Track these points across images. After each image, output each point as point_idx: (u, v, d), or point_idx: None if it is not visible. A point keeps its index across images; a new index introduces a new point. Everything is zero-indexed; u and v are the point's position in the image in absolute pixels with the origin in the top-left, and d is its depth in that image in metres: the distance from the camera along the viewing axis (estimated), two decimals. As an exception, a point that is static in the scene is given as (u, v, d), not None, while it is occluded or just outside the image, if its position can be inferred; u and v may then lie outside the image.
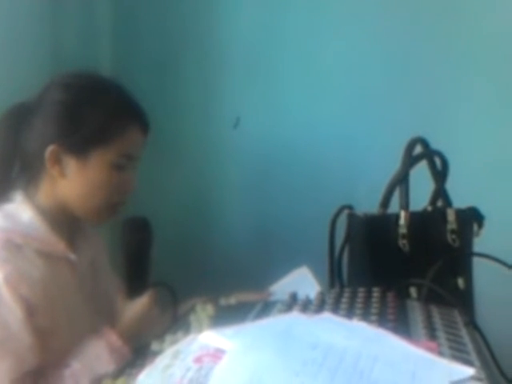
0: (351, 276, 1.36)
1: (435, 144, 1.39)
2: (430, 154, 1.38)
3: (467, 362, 0.85)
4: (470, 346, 0.95)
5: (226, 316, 1.12)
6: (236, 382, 0.75)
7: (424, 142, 1.38)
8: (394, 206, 1.33)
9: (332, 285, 1.37)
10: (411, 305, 1.15)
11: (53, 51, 2.02)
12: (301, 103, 2.09)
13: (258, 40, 2.14)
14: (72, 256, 1.32)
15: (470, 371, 0.81)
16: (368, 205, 1.34)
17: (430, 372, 0.80)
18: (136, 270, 1.32)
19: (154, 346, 1.01)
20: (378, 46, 1.98)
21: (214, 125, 2.19)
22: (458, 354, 0.89)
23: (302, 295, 1.17)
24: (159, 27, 2.25)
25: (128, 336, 1.23)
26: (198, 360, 0.81)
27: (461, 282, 1.31)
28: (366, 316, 1.00)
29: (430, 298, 1.16)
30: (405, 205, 1.31)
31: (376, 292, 1.13)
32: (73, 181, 1.31)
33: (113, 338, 1.22)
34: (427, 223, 1.32)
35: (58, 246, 1.30)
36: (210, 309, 1.18)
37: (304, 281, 1.47)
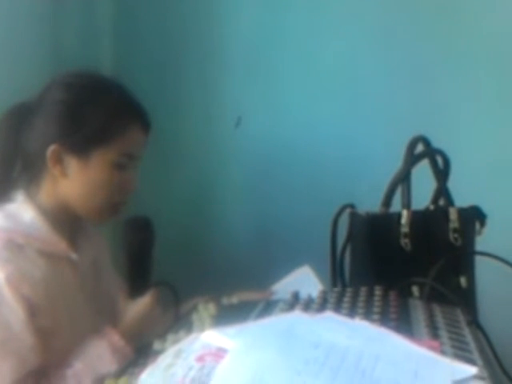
0: (353, 275, 1.36)
1: (437, 143, 1.39)
2: (431, 152, 1.38)
3: (469, 361, 0.85)
4: (472, 345, 0.95)
5: (228, 315, 1.12)
6: (238, 381, 0.75)
7: (426, 141, 1.38)
8: (396, 205, 1.33)
9: (334, 284, 1.37)
10: (413, 304, 1.15)
11: (54, 51, 2.02)
12: (302, 103, 2.09)
13: (258, 40, 2.14)
14: (74, 256, 1.32)
15: (472, 370, 0.81)
16: (370, 204, 1.34)
17: (432, 371, 0.80)
18: (138, 270, 1.33)
19: (156, 345, 1.01)
20: (379, 45, 1.98)
21: (215, 124, 2.19)
22: (461, 353, 0.89)
23: (304, 294, 1.17)
24: (160, 27, 2.25)
25: (130, 336, 1.23)
26: (200, 359, 0.81)
27: (463, 280, 1.31)
28: (368, 315, 1.00)
29: (433, 297, 1.15)
30: (407, 204, 1.31)
31: (378, 291, 1.13)
32: (74, 180, 1.31)
33: (115, 337, 1.22)
34: (429, 222, 1.32)
35: (60, 245, 1.30)
36: (212, 308, 1.18)
37: (306, 280, 1.46)
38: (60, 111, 1.31)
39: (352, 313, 1.01)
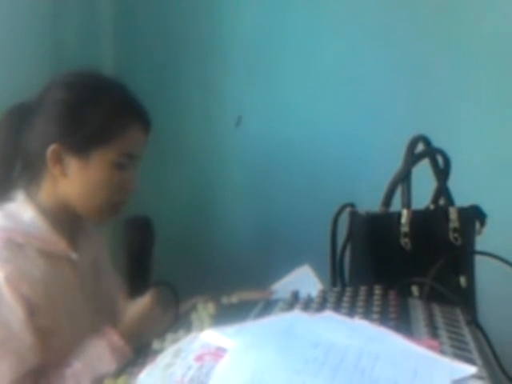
0: (353, 274, 1.36)
1: (437, 142, 1.39)
2: (432, 152, 1.38)
3: (469, 361, 0.85)
4: (471, 345, 0.95)
5: (227, 315, 1.12)
6: (237, 380, 0.75)
7: (426, 140, 1.38)
8: (396, 205, 1.33)
9: (334, 283, 1.37)
10: (413, 303, 1.15)
11: (54, 50, 2.02)
12: (302, 102, 2.09)
13: (259, 39, 2.14)
14: (73, 255, 1.32)
15: (471, 370, 0.81)
16: (370, 203, 1.34)
17: (431, 370, 0.80)
18: (138, 270, 1.33)
19: (155, 344, 1.01)
20: (379, 45, 1.98)
21: (216, 124, 2.19)
22: (460, 353, 0.89)
23: (303, 294, 1.17)
24: (161, 26, 2.25)
25: (129, 335, 1.23)
26: (200, 358, 0.81)
27: (463, 280, 1.31)
28: (367, 314, 1.00)
29: (432, 297, 1.15)
30: (407, 203, 1.31)
31: (378, 290, 1.13)
32: (74, 180, 1.31)
33: (114, 337, 1.22)
34: (429, 221, 1.32)
35: (60, 245, 1.30)
36: (211, 307, 1.18)
37: (306, 279, 1.46)
38: (60, 111, 1.31)
39: (351, 312, 1.01)
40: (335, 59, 2.04)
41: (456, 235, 1.31)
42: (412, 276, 1.23)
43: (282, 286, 1.45)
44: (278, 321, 0.97)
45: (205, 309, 1.18)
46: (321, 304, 1.08)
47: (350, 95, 2.03)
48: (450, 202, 1.37)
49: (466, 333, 1.01)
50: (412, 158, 1.34)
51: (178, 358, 0.83)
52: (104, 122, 1.31)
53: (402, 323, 0.98)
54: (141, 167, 1.38)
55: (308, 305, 1.08)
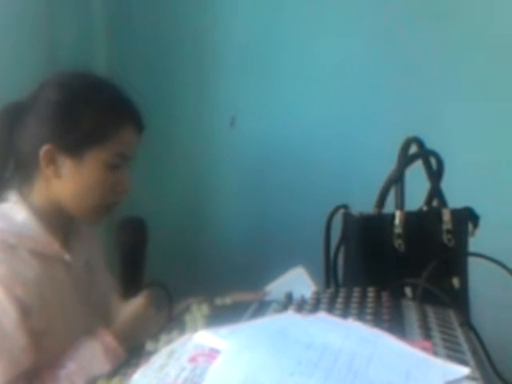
0: (346, 276, 1.36)
1: (430, 144, 1.40)
2: (425, 153, 1.38)
3: (462, 362, 0.85)
4: (464, 346, 0.95)
5: (221, 316, 1.12)
6: (231, 381, 0.75)
7: (419, 142, 1.38)
8: (390, 206, 1.33)
9: (327, 285, 1.37)
10: (406, 305, 1.15)
11: (49, 51, 2.02)
12: (296, 103, 2.09)
13: (253, 39, 2.14)
14: (67, 256, 1.32)
15: (464, 371, 0.81)
16: (363, 205, 1.34)
17: (424, 371, 0.80)
18: (131, 271, 1.32)
19: (149, 345, 1.01)
20: (373, 46, 1.98)
21: (210, 124, 2.19)
22: (453, 354, 0.89)
23: (297, 295, 1.17)
24: (154, 27, 2.24)
25: (123, 336, 1.22)
26: (193, 360, 0.81)
27: (456, 281, 1.32)
28: (361, 316, 1.00)
29: (425, 298, 1.16)
30: (400, 205, 1.31)
31: (371, 292, 1.14)
32: (67, 181, 1.31)
33: (108, 338, 1.22)
34: (422, 223, 1.33)
35: (53, 246, 1.30)
36: (205, 308, 1.18)
37: (299, 281, 1.47)
38: (54, 111, 1.31)
39: (345, 313, 1.01)
40: (329, 60, 2.04)
41: (449, 237, 1.31)
42: (405, 277, 1.24)
43: (276, 287, 1.45)
44: (271, 322, 0.97)
45: (198, 310, 1.18)
46: (314, 305, 1.08)
47: (344, 96, 2.03)
48: (443, 203, 1.37)
49: (459, 334, 1.02)
50: (405, 160, 1.35)
51: (171, 359, 0.83)
52: (97, 122, 1.30)
53: (396, 324, 0.99)
54: (134, 168, 1.38)
55: (302, 306, 1.08)
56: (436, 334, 0.98)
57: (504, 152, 1.86)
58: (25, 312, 1.20)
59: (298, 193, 2.06)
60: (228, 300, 1.26)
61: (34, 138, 1.30)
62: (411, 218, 1.30)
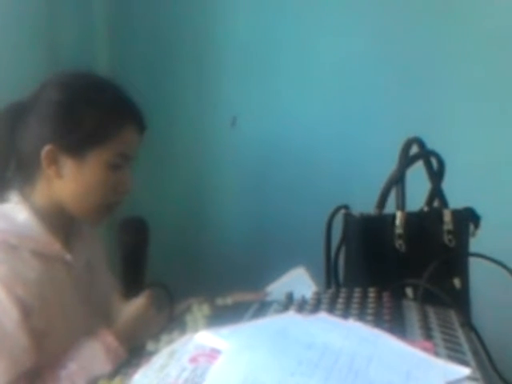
0: (347, 276, 1.36)
1: (431, 144, 1.40)
2: (426, 154, 1.38)
3: (463, 362, 0.85)
4: (465, 347, 0.95)
5: (222, 316, 1.12)
6: (231, 381, 0.75)
7: (420, 143, 1.38)
8: (391, 207, 1.33)
9: (328, 285, 1.37)
10: (407, 305, 1.15)
11: (50, 51, 2.02)
12: (297, 103, 2.09)
13: (254, 40, 2.14)
14: (68, 256, 1.32)
15: (465, 371, 0.81)
16: (364, 205, 1.34)
17: (425, 372, 0.80)
18: (132, 271, 1.32)
19: (150, 345, 1.01)
20: (374, 46, 1.98)
21: (211, 125, 2.19)
22: (454, 354, 0.89)
23: (298, 295, 1.17)
24: (155, 28, 2.25)
25: (124, 336, 1.22)
26: (194, 360, 0.81)
27: (457, 282, 1.32)
28: (361, 316, 1.00)
29: (426, 299, 1.16)
30: (401, 205, 1.31)
31: (372, 292, 1.14)
32: (69, 181, 1.31)
33: (109, 338, 1.22)
34: (423, 223, 1.33)
35: (54, 246, 1.30)
36: (206, 309, 1.18)
37: (300, 281, 1.47)
38: (55, 112, 1.31)
39: (346, 314, 1.01)
40: (330, 60, 2.04)
41: (450, 237, 1.31)
42: (406, 278, 1.24)
43: (277, 288, 1.45)
44: (272, 322, 0.97)
45: (199, 310, 1.18)
46: (315, 306, 1.08)
47: (345, 96, 2.03)
48: (444, 204, 1.37)
49: (460, 334, 1.02)
50: (406, 160, 1.35)
51: (172, 360, 0.83)
52: (99, 122, 1.30)
53: (396, 325, 0.99)
54: (135, 168, 1.38)
55: (302, 306, 1.08)
56: (437, 335, 0.98)
57: (505, 152, 1.86)
58: (26, 312, 1.20)
59: (299, 193, 2.06)
60: (229, 300, 1.26)
61: (35, 138, 1.30)
62: (412, 219, 1.30)
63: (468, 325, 1.07)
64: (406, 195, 1.32)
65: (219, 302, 1.26)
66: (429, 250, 1.30)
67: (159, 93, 2.19)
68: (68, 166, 1.30)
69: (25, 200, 1.31)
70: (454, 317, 1.11)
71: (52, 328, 1.24)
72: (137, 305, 1.27)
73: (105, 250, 1.50)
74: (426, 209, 1.39)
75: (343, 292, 1.14)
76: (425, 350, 0.86)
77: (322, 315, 0.98)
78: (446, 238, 1.31)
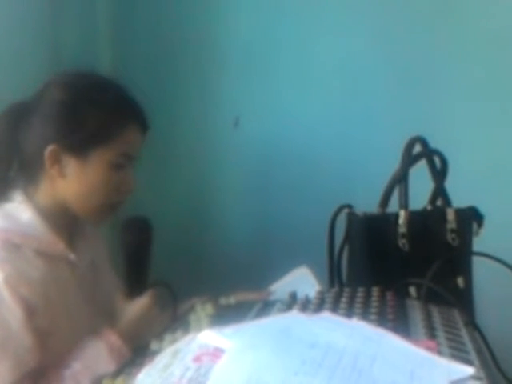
0: (351, 275, 1.36)
1: (434, 143, 1.39)
2: (429, 153, 1.38)
3: (467, 362, 0.85)
4: (469, 346, 0.95)
5: (225, 315, 1.12)
6: (235, 381, 0.75)
7: (423, 142, 1.38)
8: (394, 206, 1.33)
9: (331, 284, 1.37)
10: (411, 304, 1.15)
11: (53, 51, 2.02)
12: (300, 103, 2.09)
13: (256, 40, 2.14)
14: (72, 256, 1.32)
15: (469, 370, 0.81)
16: (367, 204, 1.34)
17: (429, 371, 0.80)
18: (136, 270, 1.33)
19: (154, 345, 1.01)
20: (377, 45, 1.98)
21: (213, 125, 2.19)
22: (458, 354, 0.89)
23: (301, 295, 1.17)
24: (158, 28, 2.25)
25: (128, 336, 1.23)
26: (197, 359, 0.81)
27: (460, 281, 1.31)
28: (365, 315, 1.00)
29: (430, 298, 1.16)
30: (404, 204, 1.31)
31: (375, 291, 1.13)
32: (72, 181, 1.31)
33: (112, 338, 1.22)
34: (427, 222, 1.32)
35: (58, 246, 1.30)
36: (209, 308, 1.18)
37: (304, 280, 1.46)
38: (58, 111, 1.31)
39: (349, 313, 1.01)
40: (332, 60, 2.04)
41: (453, 236, 1.31)
42: (409, 277, 1.23)
43: (280, 287, 1.45)
44: (275, 321, 0.97)
45: (203, 309, 1.18)
46: (318, 305, 1.08)
47: (348, 96, 2.03)
48: (448, 203, 1.37)
49: (464, 334, 1.02)
50: (409, 159, 1.35)
51: (176, 359, 0.83)
52: (102, 122, 1.30)
53: (400, 324, 0.99)
54: (138, 168, 1.38)
55: (306, 306, 1.08)
56: (440, 334, 0.98)
57: (508, 151, 1.86)
58: (30, 311, 1.20)
59: (302, 193, 2.06)
60: (232, 300, 1.26)
61: (38, 138, 1.30)
62: (415, 218, 1.30)
63: (471, 324, 1.07)
64: (409, 194, 1.32)
65: (222, 301, 1.26)
66: (432, 249, 1.29)
67: (162, 93, 2.20)
68: (71, 165, 1.30)
69: (28, 200, 1.31)
70: (457, 316, 1.11)
71: (56, 327, 1.24)
72: (140, 304, 1.27)
73: (108, 249, 1.50)
74: (429, 208, 1.39)
75: (346, 291, 1.14)
76: (428, 349, 0.86)
77: (326, 314, 0.98)
78: (450, 236, 1.31)
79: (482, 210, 1.37)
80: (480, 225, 1.36)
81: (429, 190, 1.40)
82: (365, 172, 1.95)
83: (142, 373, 0.85)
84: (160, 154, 2.09)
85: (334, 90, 2.04)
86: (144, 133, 1.36)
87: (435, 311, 1.11)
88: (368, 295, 1.12)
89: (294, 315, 1.00)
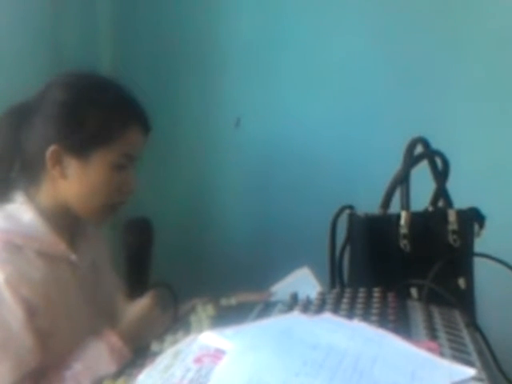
0: (352, 276, 1.36)
1: (436, 144, 1.39)
2: (430, 154, 1.38)
3: (468, 363, 0.85)
4: (470, 347, 0.95)
5: (226, 316, 1.12)
6: (236, 382, 0.75)
7: (425, 142, 1.38)
8: (395, 207, 1.33)
9: (333, 285, 1.37)
10: (412, 305, 1.15)
11: (54, 51, 2.02)
12: (301, 104, 2.09)
13: (258, 40, 2.14)
14: (73, 257, 1.32)
15: (470, 372, 0.81)
16: (369, 205, 1.34)
17: (430, 372, 0.80)
18: (137, 271, 1.33)
19: (154, 346, 1.01)
20: (379, 46, 1.98)
21: (215, 125, 2.19)
22: (459, 355, 0.89)
23: (302, 295, 1.17)
24: (159, 28, 2.25)
25: (129, 337, 1.23)
26: (198, 360, 0.81)
27: (462, 282, 1.31)
28: (366, 316, 1.00)
29: (431, 299, 1.16)
30: (406, 205, 1.31)
31: (377, 292, 1.13)
32: (74, 181, 1.31)
33: (113, 339, 1.22)
34: (428, 223, 1.32)
35: (59, 246, 1.30)
36: (210, 309, 1.18)
37: (305, 281, 1.46)
38: (60, 112, 1.31)
39: (350, 314, 1.01)
40: (334, 61, 2.04)
41: (455, 237, 1.31)
42: (411, 278, 1.23)
43: (281, 288, 1.45)
44: (276, 322, 0.97)
45: (204, 310, 1.18)
46: (320, 306, 1.08)
47: (349, 97, 2.03)
48: (449, 204, 1.37)
49: (465, 335, 1.01)
50: (411, 160, 1.34)
51: (176, 360, 0.83)
52: (103, 123, 1.30)
53: (401, 325, 0.98)
54: (140, 168, 1.38)
55: (307, 307, 1.08)
56: (442, 335, 0.98)
57: (509, 152, 1.86)
58: (31, 312, 1.20)
59: (303, 193, 2.06)
60: (233, 300, 1.26)
61: (40, 139, 1.30)
62: (417, 219, 1.30)
63: (473, 325, 1.07)
64: (411, 195, 1.32)
65: (223, 302, 1.26)
66: (433, 250, 1.29)
67: (163, 93, 2.20)
68: (72, 166, 1.30)
69: (30, 200, 1.31)
70: (458, 317, 1.11)
71: (57, 328, 1.24)
72: (141, 305, 1.27)
73: (109, 250, 1.50)
74: (430, 209, 1.39)
75: (348, 292, 1.14)
76: (430, 350, 0.86)
77: (327, 315, 0.98)
78: (451, 237, 1.31)
79: (484, 210, 1.37)
80: (481, 226, 1.36)
81: (430, 190, 1.40)
82: (366, 173, 1.95)
83: (143, 374, 0.85)
84: (161, 154, 2.09)
85: (336, 91, 2.04)
86: (146, 133, 1.36)
87: (436, 312, 1.11)
88: (369, 296, 1.12)
89: (295, 316, 1.00)
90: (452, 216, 1.32)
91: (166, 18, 2.23)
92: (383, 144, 1.91)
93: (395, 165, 1.34)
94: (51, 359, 1.21)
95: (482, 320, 1.18)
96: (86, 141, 1.29)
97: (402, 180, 1.32)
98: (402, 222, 1.29)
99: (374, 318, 0.99)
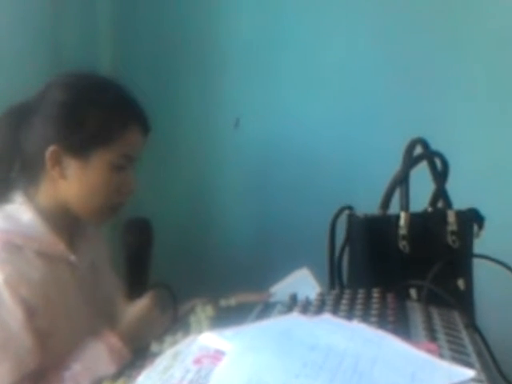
0: (351, 277, 1.36)
1: (435, 145, 1.39)
2: (430, 154, 1.38)
3: (467, 364, 0.85)
4: (470, 348, 0.95)
5: (226, 317, 1.12)
6: (235, 383, 0.75)
7: (424, 143, 1.38)
8: (395, 207, 1.33)
9: (332, 286, 1.37)
10: (411, 306, 1.15)
11: (53, 51, 2.02)
12: (300, 104, 2.09)
13: (257, 40, 2.14)
14: (72, 257, 1.32)
15: (470, 373, 0.81)
16: (368, 206, 1.34)
17: (430, 374, 0.80)
18: (136, 271, 1.33)
19: (154, 347, 1.01)
20: (378, 46, 1.98)
21: (214, 126, 2.19)
22: (458, 356, 0.89)
23: (302, 296, 1.17)
24: (159, 28, 2.25)
25: (128, 337, 1.22)
26: (198, 361, 0.81)
27: (461, 283, 1.31)
28: (365, 317, 1.00)
29: (430, 300, 1.16)
30: (405, 206, 1.31)
31: (376, 293, 1.13)
32: (73, 182, 1.31)
33: (113, 339, 1.22)
34: (427, 224, 1.32)
35: (58, 247, 1.30)
36: (209, 310, 1.18)
37: (304, 282, 1.46)
38: (59, 112, 1.31)
39: (350, 315, 1.01)
40: (333, 61, 2.04)
41: (454, 238, 1.31)
42: (410, 279, 1.23)
43: (281, 289, 1.45)
44: (276, 323, 0.97)
45: (203, 311, 1.18)
46: (319, 307, 1.08)
47: (349, 97, 2.03)
48: (448, 204, 1.37)
49: (465, 336, 1.01)
50: (410, 161, 1.35)
51: (176, 361, 0.83)
52: (103, 123, 1.30)
53: (401, 326, 0.98)
54: (139, 169, 1.38)
55: (306, 307, 1.08)
56: (441, 336, 0.98)
57: (509, 153, 1.86)
58: (30, 312, 1.20)
59: (303, 194, 2.06)
60: (233, 301, 1.26)
61: (39, 139, 1.30)
62: (416, 220, 1.30)
63: (472, 326, 1.07)
64: (410, 196, 1.32)
65: (223, 303, 1.26)
66: (433, 251, 1.29)
67: (163, 94, 2.20)
68: (72, 166, 1.30)
69: (29, 201, 1.31)
70: (458, 318, 1.11)
71: (56, 328, 1.24)
72: (141, 306, 1.27)
73: (109, 250, 1.50)
74: (429, 209, 1.39)
75: (347, 293, 1.14)
76: (429, 351, 0.86)
77: (326, 316, 0.98)
78: (450, 238, 1.31)
79: (483, 211, 1.37)
80: (481, 227, 1.36)
81: (429, 191, 1.40)
82: (365, 173, 1.95)
83: (142, 375, 0.85)
84: (160, 154, 2.09)
85: (335, 91, 2.04)
86: (145, 134, 1.36)
87: (436, 313, 1.11)
88: (368, 297, 1.12)
89: (295, 317, 1.00)
90: (451, 217, 1.32)
91: (166, 18, 2.23)
92: (383, 144, 1.91)
93: (395, 165, 1.34)
94: (50, 360, 1.21)
95: (481, 321, 1.18)
96: (86, 141, 1.29)
97: (402, 181, 1.32)
98: (402, 222, 1.29)
99: (373, 318, 0.99)
